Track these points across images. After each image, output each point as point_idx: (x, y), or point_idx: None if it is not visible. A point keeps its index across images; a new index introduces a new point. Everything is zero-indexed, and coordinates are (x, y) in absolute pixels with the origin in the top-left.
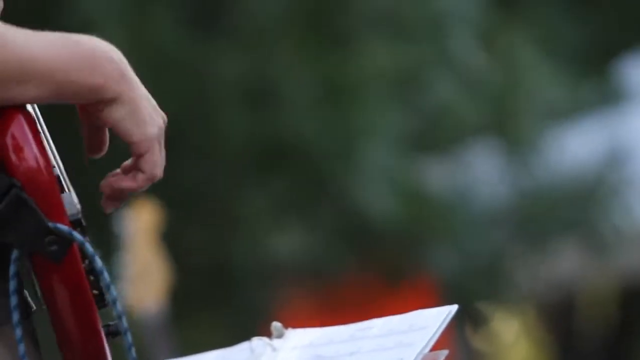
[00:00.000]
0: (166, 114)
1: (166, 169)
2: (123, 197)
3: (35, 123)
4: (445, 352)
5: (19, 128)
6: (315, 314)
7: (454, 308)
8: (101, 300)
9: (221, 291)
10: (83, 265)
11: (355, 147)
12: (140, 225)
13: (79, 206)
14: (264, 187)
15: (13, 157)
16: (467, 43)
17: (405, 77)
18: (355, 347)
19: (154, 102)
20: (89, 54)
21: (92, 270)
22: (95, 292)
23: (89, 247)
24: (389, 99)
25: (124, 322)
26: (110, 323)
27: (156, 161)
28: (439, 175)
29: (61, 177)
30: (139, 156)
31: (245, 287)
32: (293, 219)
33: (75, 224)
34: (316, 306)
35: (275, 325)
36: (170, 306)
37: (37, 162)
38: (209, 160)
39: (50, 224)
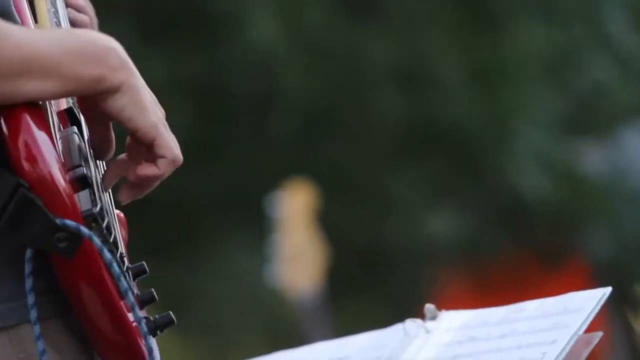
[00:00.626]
0: (321, 97)
1: (320, 152)
2: (148, 186)
3: (46, 119)
4: (599, 334)
5: (25, 128)
6: (469, 295)
7: (608, 290)
8: (131, 289)
9: (375, 273)
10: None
11: (509, 129)
12: (295, 207)
13: (98, 200)
14: (418, 169)
15: (19, 158)
16: (622, 23)
17: (558, 58)
18: (509, 329)
19: (150, 92)
20: (89, 46)
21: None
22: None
23: (96, 241)
24: (542, 81)
25: (137, 313)
26: (154, 317)
27: (170, 143)
28: (593, 156)
29: (90, 173)
30: (151, 143)
31: (399, 269)
32: (447, 200)
33: (88, 219)
34: (469, 288)
35: (429, 307)
36: (325, 287)
37: (43, 162)
38: (363, 142)
39: (58, 221)
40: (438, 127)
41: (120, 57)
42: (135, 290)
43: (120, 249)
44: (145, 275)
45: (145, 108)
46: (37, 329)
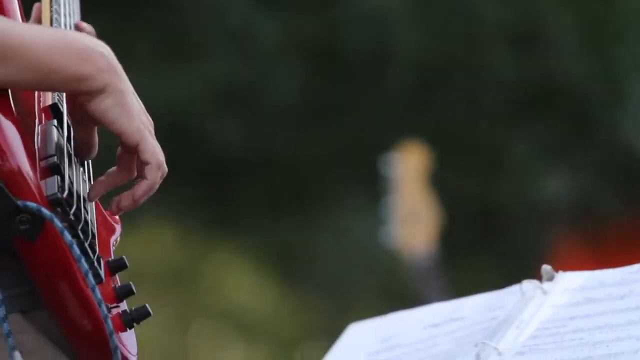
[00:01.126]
0: (435, 57)
1: (434, 112)
2: (140, 202)
3: (10, 107)
4: None
5: None
6: (586, 256)
7: None
8: (96, 277)
9: (490, 234)
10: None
11: (624, 86)
12: (409, 168)
13: (66, 187)
14: (532, 128)
15: None
16: None
17: None
18: (627, 290)
19: (137, 97)
20: (78, 46)
21: (82, 249)
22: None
23: (57, 222)
24: None
25: (97, 294)
26: (130, 309)
27: (155, 148)
28: None
29: (63, 164)
30: (135, 147)
31: (514, 230)
32: (561, 160)
33: (53, 203)
34: (586, 249)
35: (545, 268)
36: (440, 248)
37: (6, 145)
38: (477, 102)
39: (20, 203)
40: (552, 87)
41: (108, 60)
42: (115, 284)
43: (90, 237)
44: (125, 270)
45: (130, 113)
46: (6, 326)
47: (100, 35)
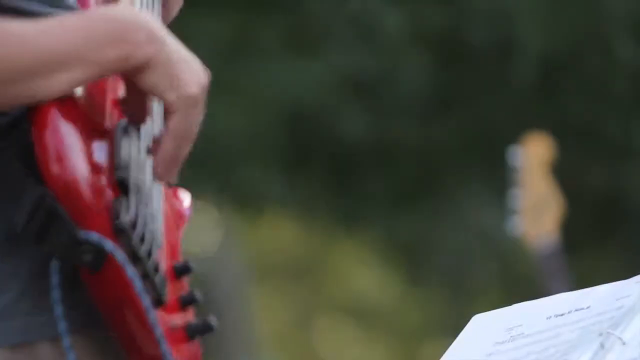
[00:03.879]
0: (559, 48)
1: (559, 103)
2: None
3: (78, 116)
4: None
5: (52, 131)
6: None
7: None
8: (159, 301)
9: (614, 224)
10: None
11: None
12: (534, 159)
13: (132, 207)
14: None
15: (45, 165)
16: None
17: None
18: None
19: (193, 61)
20: (109, 26)
21: (144, 274)
22: (153, 295)
23: (119, 256)
24: None
25: (158, 330)
26: (193, 322)
27: (184, 124)
28: None
29: (130, 175)
30: (167, 114)
31: (637, 222)
32: None
33: (117, 231)
34: None
35: None
36: (563, 239)
37: (70, 169)
38: (601, 93)
39: (82, 234)
40: None
41: (147, 30)
42: (180, 291)
43: (154, 253)
44: (189, 274)
45: (178, 82)
46: (67, 341)
47: (227, 29)
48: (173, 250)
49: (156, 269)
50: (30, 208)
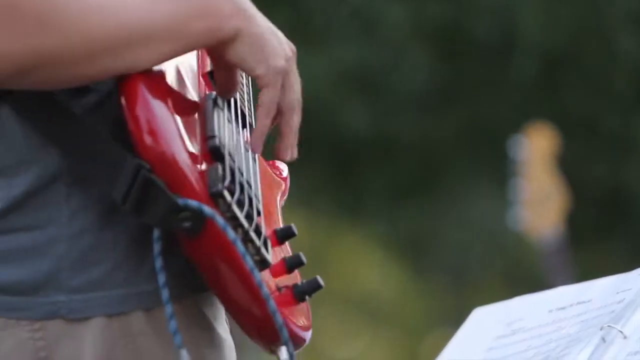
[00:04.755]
0: (561, 41)
1: (561, 96)
2: (263, 134)
3: (166, 90)
4: None
5: (142, 104)
6: None
7: None
8: (263, 263)
9: (617, 217)
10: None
11: None
12: (537, 151)
13: (228, 174)
14: None
15: (138, 137)
16: None
17: None
18: None
19: (279, 33)
20: (192, 0)
21: (246, 237)
22: (256, 257)
23: (219, 220)
24: None
25: (265, 290)
26: (302, 282)
27: (275, 97)
28: None
29: (224, 143)
30: (260, 89)
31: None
32: None
33: (214, 196)
34: None
35: None
36: (566, 231)
37: (163, 140)
38: (603, 86)
39: (180, 201)
40: None
41: (233, 3)
42: (284, 254)
43: (254, 218)
44: (293, 237)
45: (266, 55)
46: (169, 308)
47: None
48: (276, 217)
49: (258, 233)
50: (128, 180)
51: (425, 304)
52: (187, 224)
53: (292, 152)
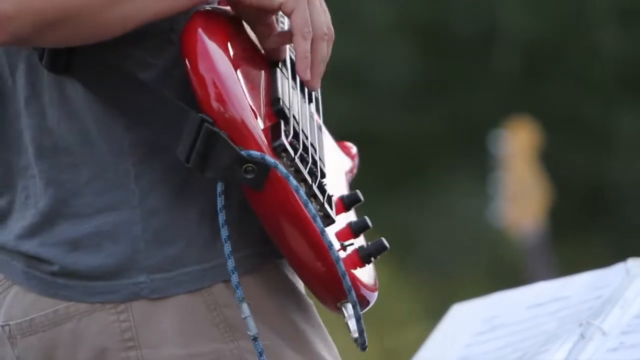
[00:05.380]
0: (543, 35)
1: (543, 90)
2: (308, 76)
3: (227, 36)
4: None
5: (205, 60)
6: None
7: None
8: (327, 219)
9: (598, 211)
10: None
11: None
12: (518, 145)
13: (291, 130)
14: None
15: (201, 92)
16: None
17: None
18: None
19: None
20: None
21: (309, 192)
22: (320, 213)
23: (281, 169)
24: None
25: (327, 236)
26: (367, 243)
27: (305, 18)
28: None
29: (286, 102)
30: (288, 17)
31: (621, 208)
32: None
33: (277, 149)
34: None
35: None
36: (547, 226)
37: (226, 97)
38: (586, 80)
39: (243, 152)
40: None
41: None
42: (350, 219)
43: (318, 177)
44: (360, 203)
45: None
46: (235, 278)
47: None
48: (341, 186)
49: (322, 190)
50: (192, 135)
51: (407, 298)
52: (250, 176)
53: (315, 80)
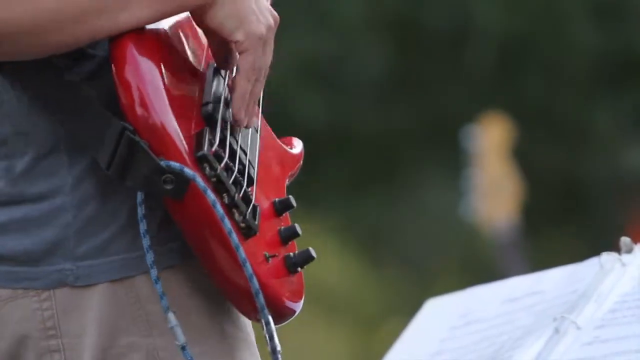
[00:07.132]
0: (517, 31)
1: (516, 85)
2: (239, 115)
3: (157, 47)
4: None
5: (131, 65)
6: None
7: None
8: (249, 230)
9: (572, 206)
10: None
11: None
12: (491, 140)
13: (217, 139)
14: (616, 100)
15: (124, 99)
16: None
17: None
18: None
19: (262, 0)
20: None
21: (232, 202)
22: (242, 224)
23: (199, 182)
24: None
25: (242, 253)
26: (293, 253)
27: (253, 62)
28: None
29: (217, 107)
30: (239, 54)
31: (595, 202)
32: None
33: (200, 160)
34: None
35: (625, 240)
36: (521, 221)
37: (148, 103)
38: (560, 75)
39: (162, 163)
40: (636, 58)
41: None
42: (281, 225)
43: (244, 185)
44: (292, 209)
45: (246, 20)
46: (154, 272)
47: None
48: (277, 189)
49: (247, 200)
50: (113, 143)
51: (381, 293)
52: (169, 187)
53: (249, 119)
